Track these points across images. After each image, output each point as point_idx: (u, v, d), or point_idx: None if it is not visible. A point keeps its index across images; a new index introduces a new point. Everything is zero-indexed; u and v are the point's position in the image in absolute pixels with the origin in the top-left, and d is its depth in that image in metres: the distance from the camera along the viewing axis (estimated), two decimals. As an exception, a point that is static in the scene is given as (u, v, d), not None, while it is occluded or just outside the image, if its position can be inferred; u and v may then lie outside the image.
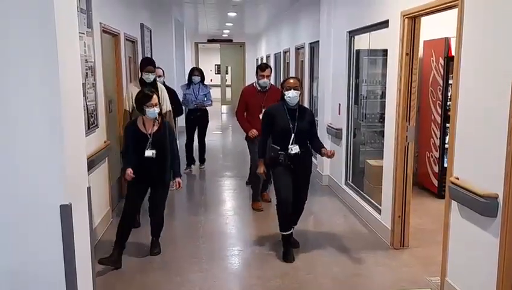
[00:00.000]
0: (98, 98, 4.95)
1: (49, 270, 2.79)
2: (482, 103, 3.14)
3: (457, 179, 3.35)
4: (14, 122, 2.59)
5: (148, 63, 5.60)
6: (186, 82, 7.90)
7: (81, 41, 4.33)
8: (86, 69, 4.52)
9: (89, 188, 3.20)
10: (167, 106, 5.69)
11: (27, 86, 2.56)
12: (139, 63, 6.06)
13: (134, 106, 4.56)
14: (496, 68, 2.97)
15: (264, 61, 15.05)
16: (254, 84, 5.93)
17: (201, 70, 8.03)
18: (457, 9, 3.42)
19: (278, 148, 4.36)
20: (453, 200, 3.45)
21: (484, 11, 3.11)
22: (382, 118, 5.81)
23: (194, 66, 8.91)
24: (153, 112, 4.20)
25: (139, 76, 5.63)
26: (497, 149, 2.89)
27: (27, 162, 2.64)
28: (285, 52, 11.25)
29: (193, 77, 7.70)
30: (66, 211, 2.73)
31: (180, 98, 7.57)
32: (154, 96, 4.23)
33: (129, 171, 4.15)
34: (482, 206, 3.01)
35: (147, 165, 4.24)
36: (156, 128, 4.30)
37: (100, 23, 5.11)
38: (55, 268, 2.77)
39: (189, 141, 7.99)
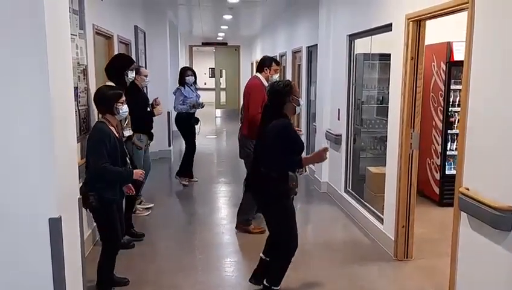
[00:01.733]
0: (90, 103, 4.76)
1: (38, 284, 2.65)
2: (494, 110, 2.99)
3: (468, 189, 3.20)
4: (2, 131, 2.43)
5: (132, 60, 5.18)
6: (179, 84, 7.18)
7: (72, 43, 4.15)
8: (78, 73, 4.34)
9: (80, 199, 3.04)
10: None
11: (15, 93, 2.41)
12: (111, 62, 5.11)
13: None
14: (508, 72, 2.82)
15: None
16: (258, 79, 5.24)
17: (193, 69, 7.54)
18: (463, 12, 3.30)
19: (296, 174, 3.49)
20: (462, 212, 3.30)
21: (496, 13, 2.97)
22: (383, 124, 5.67)
23: (185, 66, 8.23)
24: (126, 109, 3.75)
25: (114, 77, 4.76)
26: (511, 158, 2.75)
27: (16, 173, 2.51)
28: (281, 56, 11.11)
29: (188, 78, 7.09)
30: (55, 224, 2.61)
31: (171, 102, 7.11)
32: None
33: (139, 171, 3.75)
34: (495, 219, 2.85)
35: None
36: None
37: (93, 24, 4.94)
38: (44, 283, 2.64)
39: (194, 149, 7.38)
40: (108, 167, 3.49)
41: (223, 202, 6.71)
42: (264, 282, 3.52)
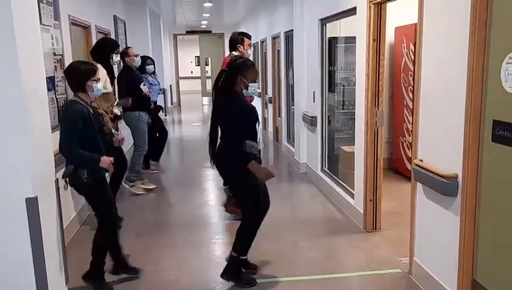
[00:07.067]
0: (68, 92, 4.91)
1: (17, 263, 2.80)
2: (435, 82, 3.25)
3: (421, 161, 3.43)
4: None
5: (117, 43, 5.33)
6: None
7: (47, 34, 4.30)
8: (55, 62, 4.49)
9: (56, 180, 3.20)
10: None
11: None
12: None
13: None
14: (451, 53, 3.03)
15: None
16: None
17: (152, 58, 7.44)
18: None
19: (256, 144, 3.51)
20: (418, 182, 3.53)
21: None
22: (355, 105, 5.86)
23: (144, 55, 7.59)
24: (100, 87, 3.57)
25: (99, 60, 4.88)
26: (456, 131, 2.97)
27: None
28: (262, 42, 11.25)
29: (148, 67, 6.91)
30: (32, 204, 2.74)
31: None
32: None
33: (107, 158, 3.43)
34: (443, 186, 3.09)
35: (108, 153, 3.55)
36: None
37: (69, 15, 5.07)
38: (23, 259, 2.78)
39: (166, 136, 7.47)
40: (81, 152, 3.33)
41: (208, 185, 6.89)
42: (232, 252, 3.63)
